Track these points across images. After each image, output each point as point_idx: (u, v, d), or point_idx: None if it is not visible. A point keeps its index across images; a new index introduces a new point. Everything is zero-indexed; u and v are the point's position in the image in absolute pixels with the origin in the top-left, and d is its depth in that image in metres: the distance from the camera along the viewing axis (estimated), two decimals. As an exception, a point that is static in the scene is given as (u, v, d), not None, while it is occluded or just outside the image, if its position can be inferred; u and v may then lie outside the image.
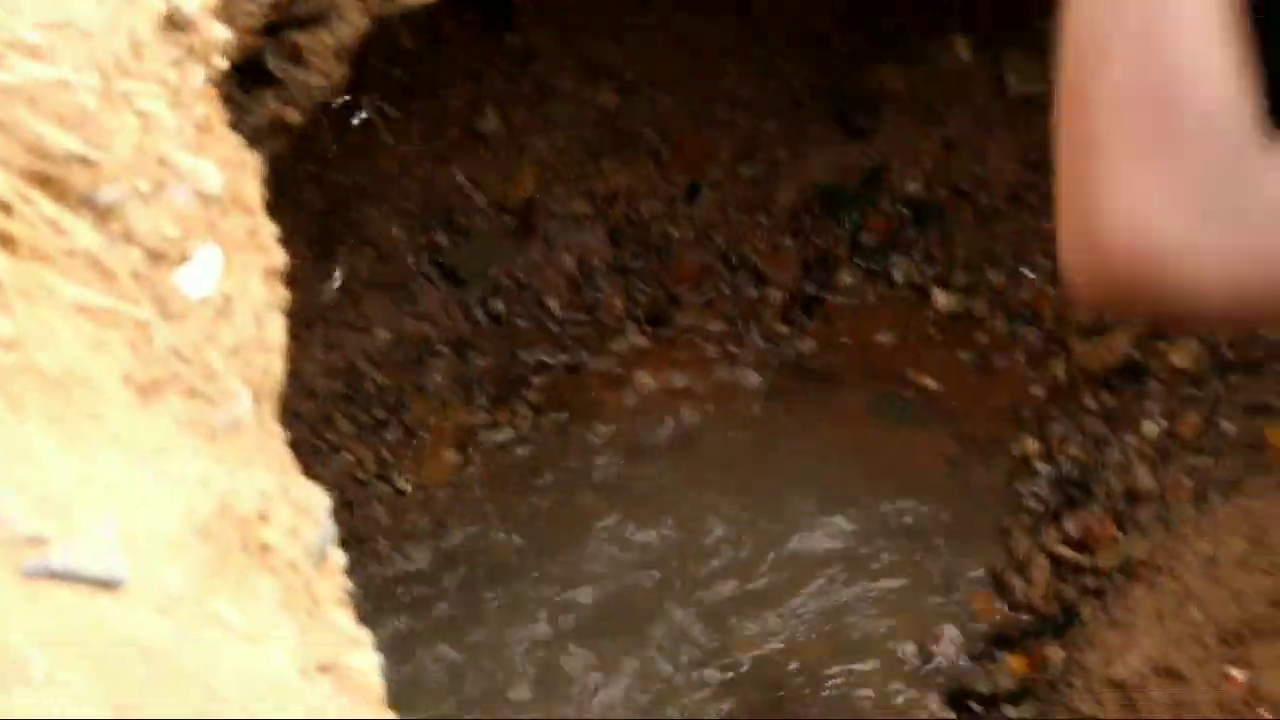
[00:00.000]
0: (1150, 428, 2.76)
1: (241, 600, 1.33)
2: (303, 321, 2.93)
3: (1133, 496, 2.71)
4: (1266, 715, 2.36)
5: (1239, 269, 1.44)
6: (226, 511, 1.32)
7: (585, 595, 2.86)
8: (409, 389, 3.05)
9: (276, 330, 1.47)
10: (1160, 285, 1.43)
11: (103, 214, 1.38)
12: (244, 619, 1.33)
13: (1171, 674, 2.41)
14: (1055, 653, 2.63)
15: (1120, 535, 2.67)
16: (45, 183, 1.37)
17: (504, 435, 3.04)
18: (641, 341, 3.09)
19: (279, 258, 1.51)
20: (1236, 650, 2.42)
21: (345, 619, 1.46)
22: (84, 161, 1.37)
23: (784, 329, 3.08)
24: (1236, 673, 2.40)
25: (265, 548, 1.35)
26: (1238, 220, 1.44)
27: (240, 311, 1.42)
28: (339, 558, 1.49)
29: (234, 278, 1.42)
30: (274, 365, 1.46)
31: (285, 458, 1.47)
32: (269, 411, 1.45)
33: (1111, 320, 2.90)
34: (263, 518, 1.36)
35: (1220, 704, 2.39)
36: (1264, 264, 1.44)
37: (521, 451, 3.02)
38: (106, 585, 1.28)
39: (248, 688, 1.29)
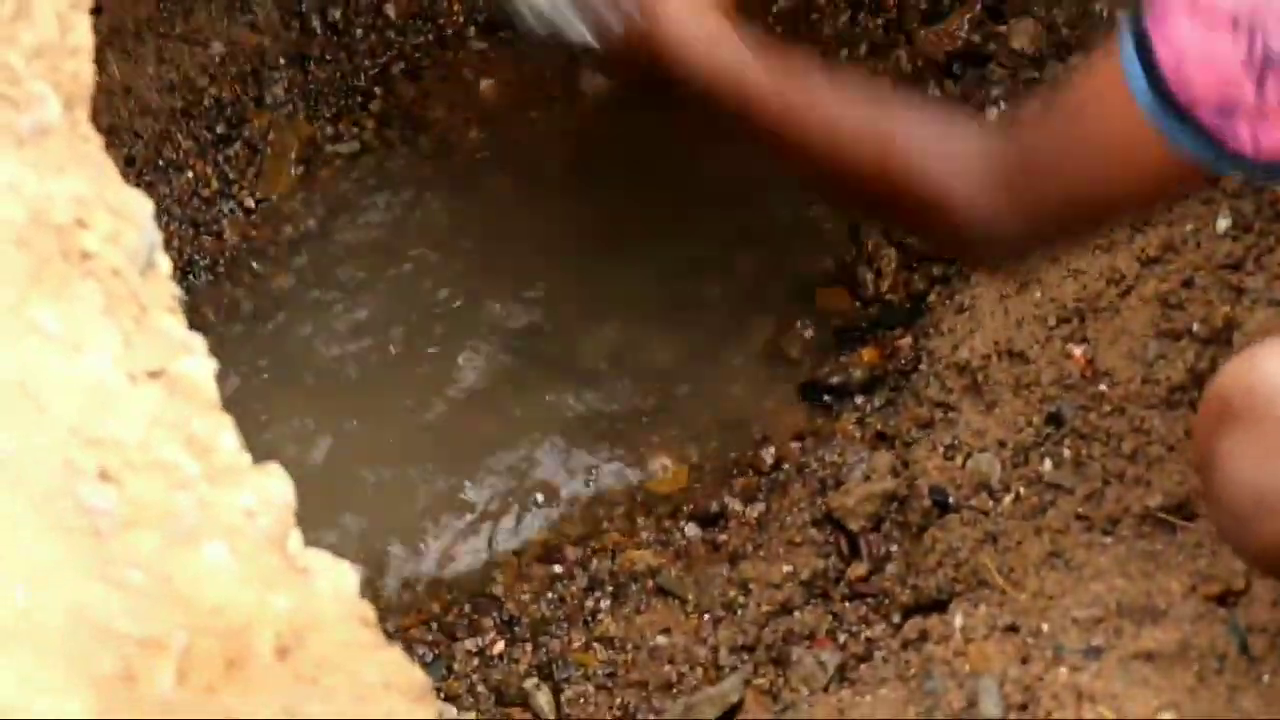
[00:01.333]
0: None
1: (62, 308, 1.31)
2: (130, 34, 2.89)
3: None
4: (1104, 388, 2.38)
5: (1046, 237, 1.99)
6: (40, 218, 1.30)
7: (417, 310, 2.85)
8: (248, 103, 3.02)
9: (83, 33, 1.45)
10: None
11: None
12: (66, 327, 1.31)
13: (1014, 354, 2.45)
14: (905, 342, 2.66)
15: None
16: None
17: (348, 146, 3.02)
18: (484, 45, 3.07)
19: (83, -55, 1.48)
20: (1076, 327, 2.44)
21: (175, 325, 1.44)
22: None
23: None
24: (1077, 350, 2.42)
25: (85, 254, 1.33)
26: (1028, 219, 1.89)
27: (40, 10, 1.39)
28: (165, 264, 1.46)
29: (30, -28, 1.39)
30: (83, 70, 1.43)
31: (103, 164, 1.44)
32: (81, 117, 1.42)
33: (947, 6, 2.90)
34: (81, 224, 1.33)
35: (1060, 380, 2.41)
36: (1053, 229, 1.92)
37: (367, 161, 3.00)
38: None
39: (73, 395, 1.27)
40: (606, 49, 2.24)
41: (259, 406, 2.71)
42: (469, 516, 2.70)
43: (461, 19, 3.08)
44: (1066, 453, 2.39)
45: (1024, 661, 2.17)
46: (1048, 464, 2.39)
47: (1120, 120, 1.71)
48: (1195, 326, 2.38)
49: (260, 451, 1.37)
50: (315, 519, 2.45)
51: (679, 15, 2.12)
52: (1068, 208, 1.86)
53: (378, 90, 3.04)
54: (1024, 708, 2.12)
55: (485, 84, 3.05)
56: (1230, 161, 1.67)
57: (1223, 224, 2.44)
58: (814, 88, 2.05)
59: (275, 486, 1.33)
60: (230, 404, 1.38)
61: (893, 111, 2.02)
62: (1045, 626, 2.19)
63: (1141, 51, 1.66)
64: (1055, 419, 2.43)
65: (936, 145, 1.92)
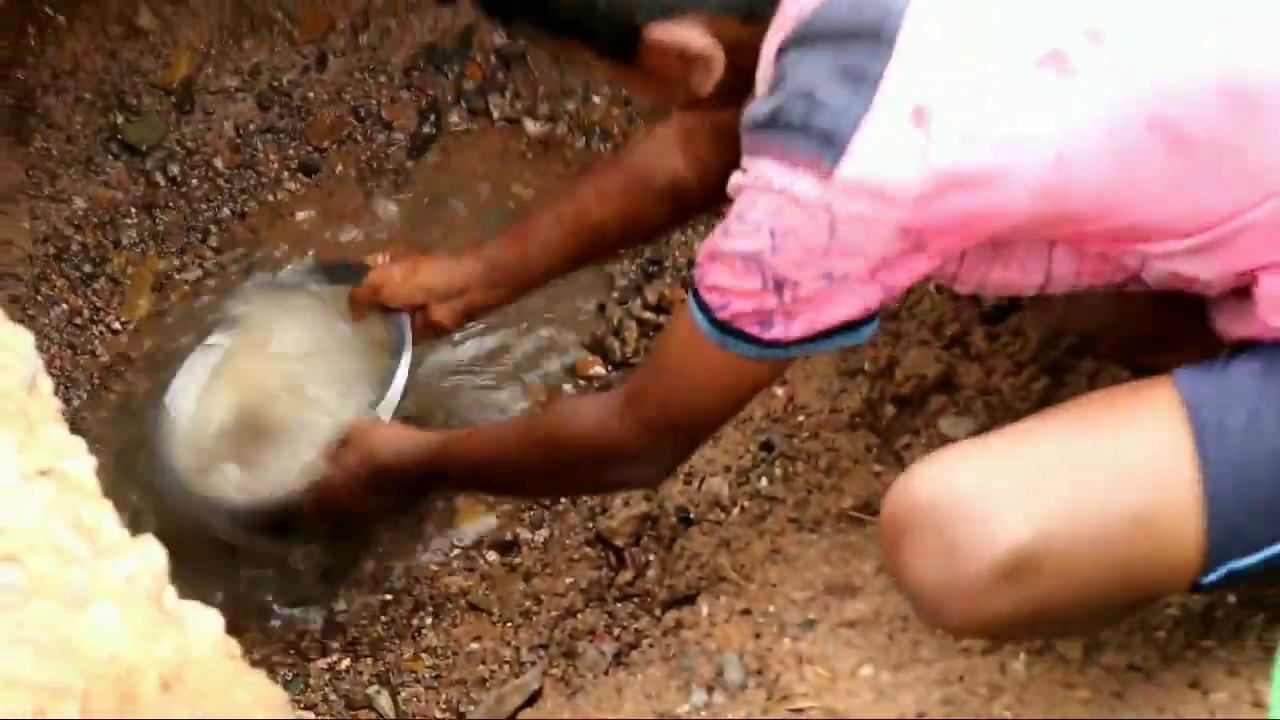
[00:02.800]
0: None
1: (-40, 425, 1.28)
2: (10, 201, 2.86)
3: (691, 264, 2.74)
4: (802, 418, 2.40)
5: (681, 437, 2.05)
6: (-59, 353, 1.27)
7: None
8: (109, 246, 3.00)
9: (-34, 205, 1.42)
10: (690, 449, 2.11)
11: None
12: (-36, 440, 1.28)
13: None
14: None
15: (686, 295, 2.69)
16: None
17: (193, 274, 3.00)
18: (296, 187, 3.06)
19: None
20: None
21: (60, 432, 1.41)
22: None
23: (411, 164, 3.08)
24: (779, 390, 2.45)
25: (-20, 380, 1.29)
26: (660, 439, 2.03)
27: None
28: (47, 384, 1.44)
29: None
30: (-32, 228, 1.41)
31: (-11, 306, 1.41)
32: (-31, 268, 1.40)
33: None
34: (-25, 355, 1.30)
35: (769, 415, 2.45)
36: (685, 431, 2.04)
37: (209, 284, 2.99)
38: None
39: (-23, 493, 1.25)
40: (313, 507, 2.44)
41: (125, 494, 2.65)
42: (316, 563, 2.68)
43: (277, 165, 3.08)
44: (777, 471, 2.42)
45: (757, 637, 2.18)
46: (764, 481, 2.42)
47: (697, 348, 1.81)
48: (866, 365, 2.43)
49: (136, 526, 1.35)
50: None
51: (393, 439, 2.35)
52: (680, 418, 1.95)
53: (213, 228, 3.02)
54: (759, 673, 2.13)
55: (301, 215, 3.04)
56: (772, 349, 1.77)
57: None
58: (481, 434, 2.37)
59: (152, 554, 1.31)
60: (109, 490, 1.37)
61: (540, 417, 2.34)
62: (771, 608, 2.21)
63: (698, 302, 1.79)
64: (767, 446, 2.45)
65: (578, 410, 2.12)
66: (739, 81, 1.77)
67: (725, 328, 1.77)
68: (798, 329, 1.75)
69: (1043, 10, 1.62)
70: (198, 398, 2.65)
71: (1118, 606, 1.83)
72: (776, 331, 1.75)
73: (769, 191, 1.65)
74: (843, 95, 1.60)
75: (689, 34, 1.74)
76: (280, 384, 2.66)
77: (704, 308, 1.79)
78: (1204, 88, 1.62)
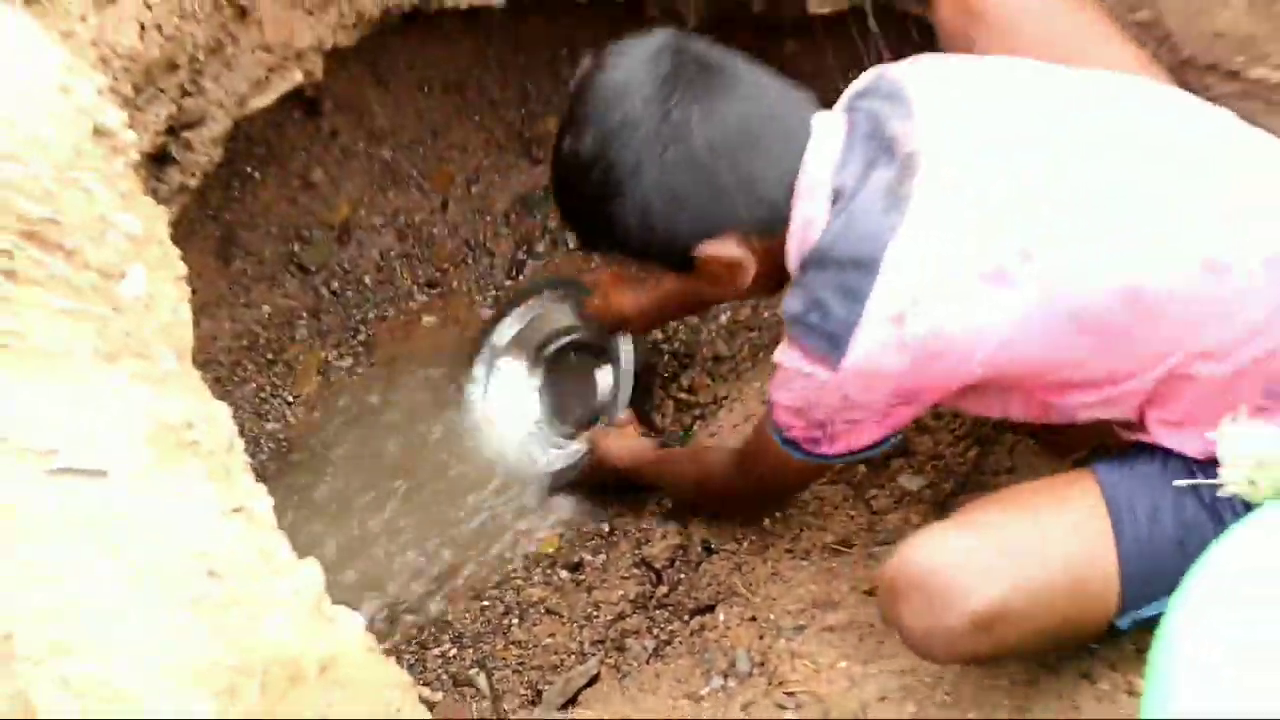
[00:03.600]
0: (723, 318, 2.79)
1: (181, 476, 1.31)
2: (216, 307, 2.89)
3: (716, 359, 2.74)
4: None
5: (768, 503, 2.39)
6: (165, 424, 1.31)
7: (394, 457, 2.82)
8: (285, 340, 3.01)
9: (185, 314, 1.46)
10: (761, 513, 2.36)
11: (69, 253, 1.35)
12: (184, 487, 1.31)
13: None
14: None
15: (710, 382, 2.70)
16: (30, 237, 1.34)
17: (348, 363, 3.01)
18: (423, 299, 3.07)
19: (182, 269, 1.49)
20: None
21: (249, 480, 1.44)
22: (54, 222, 1.34)
23: (508, 282, 3.08)
24: None
25: (192, 443, 1.33)
26: (761, 501, 2.37)
27: (161, 305, 1.40)
28: (240, 444, 1.46)
29: (154, 285, 1.39)
30: (186, 335, 1.44)
31: (200, 388, 1.45)
32: (186, 364, 1.42)
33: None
34: (189, 425, 1.34)
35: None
36: (776, 499, 2.38)
37: (359, 371, 2.99)
38: (97, 474, 1.27)
39: (190, 526, 1.28)
40: (582, 478, 2.69)
41: (303, 524, 2.68)
42: (433, 579, 2.68)
43: (410, 282, 3.08)
44: (778, 514, 2.41)
45: (760, 637, 2.18)
46: (767, 522, 2.41)
47: (776, 449, 1.96)
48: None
49: (302, 550, 1.38)
50: (342, 588, 2.44)
51: (618, 448, 2.58)
52: (771, 488, 2.21)
53: (362, 327, 3.03)
54: (762, 665, 2.13)
55: (426, 320, 3.05)
56: (821, 458, 1.92)
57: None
58: (678, 464, 2.47)
59: (312, 573, 1.34)
60: (283, 525, 1.40)
61: (699, 458, 2.43)
62: (771, 616, 2.20)
63: (775, 426, 1.93)
64: None
65: (720, 463, 2.30)
66: (770, 275, 1.81)
67: (791, 444, 1.92)
68: (838, 449, 1.90)
69: (987, 234, 1.66)
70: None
71: (1054, 646, 1.86)
72: (823, 449, 1.90)
73: (799, 375, 1.79)
74: (844, 308, 1.68)
75: (726, 248, 1.76)
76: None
77: (776, 428, 1.93)
78: (1109, 293, 1.66)
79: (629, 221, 1.76)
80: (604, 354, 2.79)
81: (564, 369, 2.88)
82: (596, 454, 2.62)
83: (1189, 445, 1.76)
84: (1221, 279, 1.65)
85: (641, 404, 2.72)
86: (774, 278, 1.82)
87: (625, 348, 2.68)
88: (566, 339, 2.88)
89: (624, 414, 2.65)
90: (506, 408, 2.86)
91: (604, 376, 2.81)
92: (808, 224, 1.73)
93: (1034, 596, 1.69)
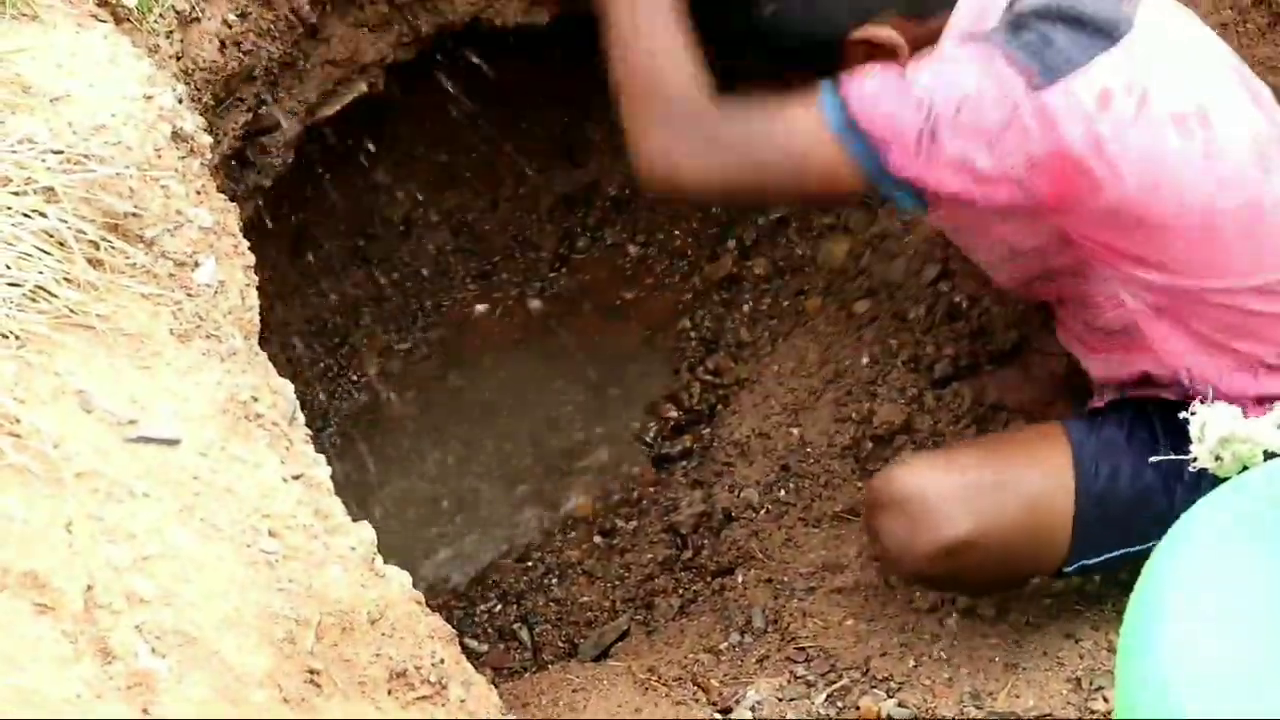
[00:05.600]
0: (746, 307, 2.78)
1: (247, 445, 1.32)
2: (289, 295, 2.90)
3: (739, 344, 2.73)
4: (809, 449, 2.39)
5: (713, 173, 1.53)
6: (233, 398, 1.31)
7: (447, 431, 2.81)
8: (351, 325, 3.02)
9: (252, 299, 1.46)
10: (682, 188, 1.55)
11: (149, 244, 1.36)
12: (250, 455, 1.32)
13: (762, 434, 2.46)
14: (706, 432, 2.66)
15: (734, 366, 2.69)
16: (115, 230, 1.35)
17: (406, 346, 3.02)
18: (474, 289, 3.07)
19: (250, 259, 1.49)
20: (792, 418, 2.44)
21: (309, 449, 1.45)
22: (135, 216, 1.35)
23: (551, 274, 3.07)
24: (794, 430, 2.43)
25: (257, 415, 1.34)
26: (708, 148, 1.59)
27: (230, 291, 1.41)
28: (301, 417, 1.47)
29: (225, 273, 1.40)
30: (253, 319, 1.45)
31: (267, 366, 1.45)
32: (253, 344, 1.43)
33: (720, 251, 2.90)
34: (255, 399, 1.35)
35: (787, 447, 2.44)
36: (723, 168, 1.54)
37: (416, 354, 3.00)
38: (171, 443, 1.27)
39: (254, 489, 1.28)
40: None
41: (356, 491, 2.69)
42: (480, 541, 2.68)
43: (463, 273, 3.08)
44: (791, 485, 2.40)
45: (775, 598, 2.18)
46: (782, 492, 2.41)
47: (810, 122, 1.55)
48: (854, 415, 2.41)
49: (356, 514, 1.38)
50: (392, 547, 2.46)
51: None
52: (746, 157, 1.59)
53: (419, 315, 3.04)
54: (775, 622, 2.13)
55: (479, 308, 3.04)
56: (873, 166, 1.56)
57: (864, 359, 2.47)
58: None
59: (365, 533, 1.34)
60: (339, 489, 1.40)
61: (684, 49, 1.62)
62: (785, 578, 2.21)
63: (840, 100, 1.55)
64: (785, 468, 2.44)
65: (690, 76, 1.61)
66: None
67: (856, 128, 1.55)
68: (907, 170, 1.55)
69: (1185, 79, 1.59)
70: None
71: (1007, 580, 1.86)
72: (890, 156, 1.55)
73: (988, 68, 1.51)
74: (1073, 51, 1.51)
75: (883, 30, 1.59)
76: None
77: (843, 107, 1.54)
78: (1242, 199, 1.61)
79: (790, 10, 1.59)
80: None
81: None
82: None
83: (1198, 370, 1.70)
84: None
85: None
86: None
87: None
88: None
89: None
90: None
91: None
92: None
93: (998, 533, 1.71)
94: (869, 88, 1.54)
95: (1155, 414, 1.75)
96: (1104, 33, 1.53)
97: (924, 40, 1.60)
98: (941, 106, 1.51)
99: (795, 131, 1.56)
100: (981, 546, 1.71)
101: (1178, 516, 1.65)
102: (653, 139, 1.60)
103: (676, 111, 1.58)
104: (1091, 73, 1.52)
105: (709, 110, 1.58)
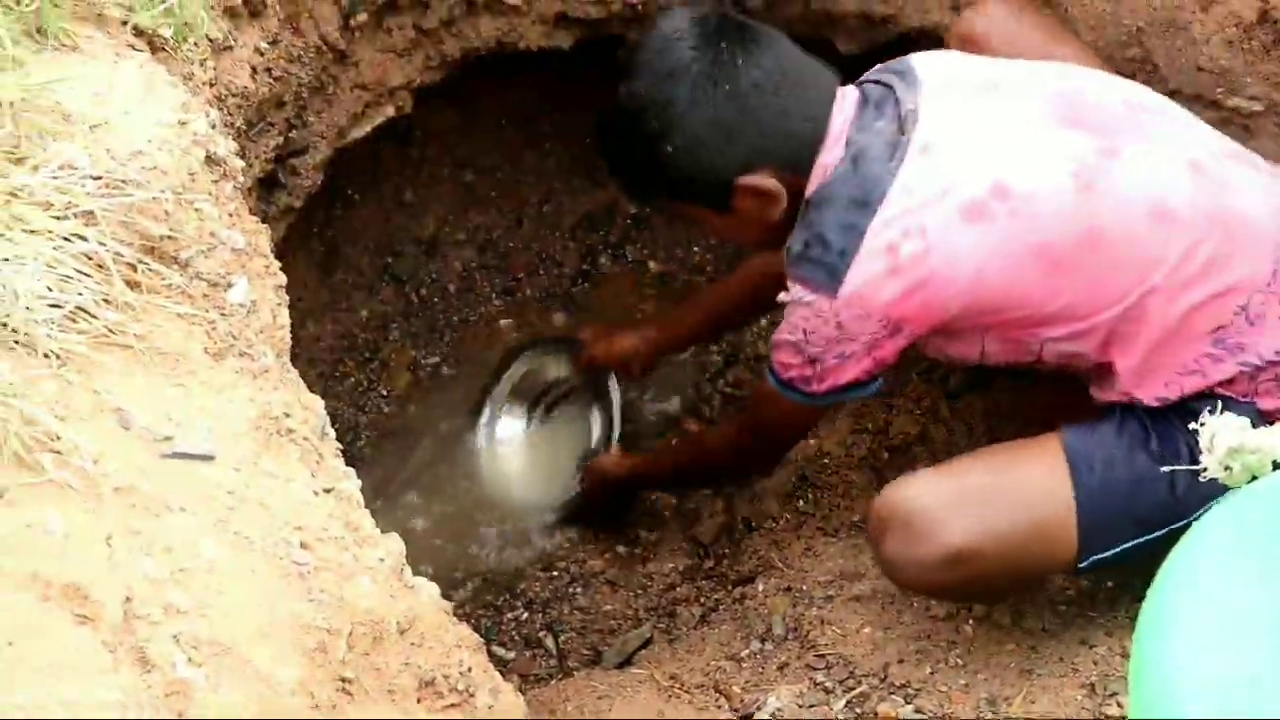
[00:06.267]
0: (764, 321, 2.79)
1: (279, 460, 1.33)
2: (320, 312, 2.91)
3: (758, 357, 2.73)
4: (827, 460, 2.38)
5: (773, 455, 2.28)
6: (265, 414, 1.32)
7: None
8: (380, 341, 3.01)
9: (284, 318, 1.47)
10: (770, 468, 2.37)
11: (184, 265, 1.37)
12: (282, 470, 1.33)
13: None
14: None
15: (752, 378, 2.70)
16: (151, 252, 1.36)
17: (434, 360, 3.01)
18: (500, 304, 3.07)
19: (281, 279, 1.50)
20: (816, 427, 2.41)
21: (339, 463, 1.46)
22: (171, 239, 1.36)
23: (574, 290, 3.07)
24: (812, 441, 2.43)
25: (289, 431, 1.35)
26: (759, 456, 2.24)
27: (262, 310, 1.42)
28: (331, 432, 1.48)
29: (257, 292, 1.41)
30: (284, 337, 1.46)
31: (298, 383, 1.46)
32: (284, 361, 1.44)
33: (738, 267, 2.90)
34: (287, 415, 1.36)
35: (805, 458, 2.42)
36: (774, 452, 2.26)
37: (445, 368, 3.00)
38: (206, 458, 1.28)
39: (286, 503, 1.29)
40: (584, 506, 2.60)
41: (385, 504, 2.69)
42: (505, 550, 2.69)
43: (489, 289, 3.08)
44: (810, 496, 2.40)
45: (794, 605, 2.17)
46: (801, 502, 2.41)
47: (775, 399, 1.90)
48: (870, 426, 2.41)
49: (385, 527, 1.39)
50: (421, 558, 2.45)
51: (612, 463, 2.52)
52: (771, 438, 2.10)
53: (447, 330, 3.04)
54: (795, 630, 2.12)
55: (504, 323, 3.04)
56: (813, 397, 1.87)
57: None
58: (675, 453, 2.52)
59: (394, 545, 1.35)
60: (368, 501, 1.41)
61: (695, 440, 2.54)
62: (804, 586, 2.20)
63: (771, 370, 1.89)
64: (804, 479, 2.43)
65: (717, 436, 2.35)
66: (792, 215, 1.80)
67: (787, 385, 1.87)
68: (826, 385, 1.84)
69: (968, 172, 1.70)
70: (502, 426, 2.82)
71: (1018, 583, 1.87)
72: (814, 388, 1.85)
73: (800, 306, 1.76)
74: (842, 240, 1.70)
75: (764, 179, 1.76)
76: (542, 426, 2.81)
77: (774, 373, 1.88)
78: (1076, 234, 1.70)
79: (679, 158, 1.76)
80: (596, 399, 2.73)
81: (559, 417, 2.82)
82: (593, 476, 2.55)
83: (1150, 391, 1.77)
84: (1168, 226, 1.70)
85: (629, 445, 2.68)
86: (791, 219, 1.81)
87: (614, 389, 2.65)
88: (562, 389, 2.80)
89: (615, 447, 2.60)
90: (507, 457, 2.80)
91: (596, 419, 2.73)
92: (824, 170, 1.76)
93: (1000, 540, 1.72)
94: (777, 356, 1.87)
95: (1142, 408, 1.78)
96: (863, 205, 1.70)
97: (797, 189, 1.77)
98: (802, 342, 1.80)
99: (775, 407, 1.94)
100: (983, 552, 1.71)
101: (1182, 499, 1.66)
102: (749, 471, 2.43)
103: (740, 467, 2.35)
104: (865, 244, 1.69)
105: (744, 449, 2.16)
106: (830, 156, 1.76)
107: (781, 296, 1.82)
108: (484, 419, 2.81)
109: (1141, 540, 1.71)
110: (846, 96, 1.81)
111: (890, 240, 1.69)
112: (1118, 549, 1.73)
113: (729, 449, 2.19)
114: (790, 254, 1.77)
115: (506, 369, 2.83)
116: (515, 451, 2.80)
